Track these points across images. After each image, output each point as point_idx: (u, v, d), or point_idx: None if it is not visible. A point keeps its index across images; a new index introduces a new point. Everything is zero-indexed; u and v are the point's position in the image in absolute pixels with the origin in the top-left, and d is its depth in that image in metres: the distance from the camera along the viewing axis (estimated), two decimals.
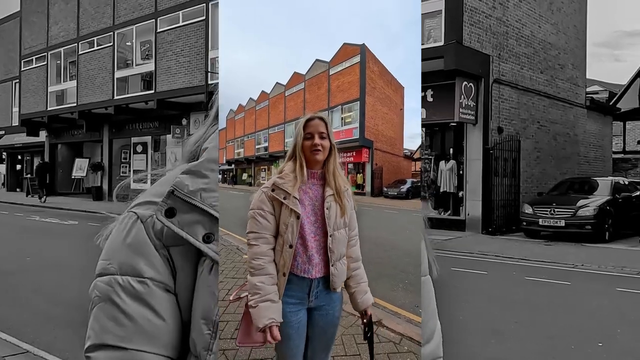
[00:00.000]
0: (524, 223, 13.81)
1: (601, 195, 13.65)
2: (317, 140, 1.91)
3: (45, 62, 27.36)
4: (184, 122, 21.03)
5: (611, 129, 23.20)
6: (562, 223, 12.98)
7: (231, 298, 1.07)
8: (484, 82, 14.82)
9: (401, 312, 5.22)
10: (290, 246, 1.78)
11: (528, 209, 13.77)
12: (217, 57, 18.08)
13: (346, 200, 2.03)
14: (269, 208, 1.87)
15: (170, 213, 1.02)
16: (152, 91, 21.08)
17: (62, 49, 26.39)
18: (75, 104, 24.99)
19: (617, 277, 8.90)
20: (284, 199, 1.79)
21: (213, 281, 1.02)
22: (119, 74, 23.19)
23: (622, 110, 24.14)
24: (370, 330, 2.21)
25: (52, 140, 29.55)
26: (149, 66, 21.77)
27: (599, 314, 6.42)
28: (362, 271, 2.24)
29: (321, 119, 2.05)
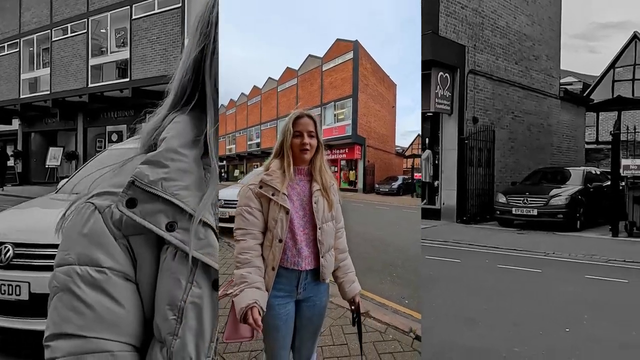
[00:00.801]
0: (498, 212, 14.01)
1: (573, 185, 13.90)
2: (306, 139, 1.96)
3: (17, 49, 26.81)
4: None
5: (584, 120, 23.56)
6: (535, 212, 13.20)
7: (219, 294, 1.08)
8: (460, 73, 14.94)
9: (388, 304, 5.31)
10: (280, 240, 1.95)
11: (502, 199, 13.96)
12: None
13: (333, 194, 2.07)
14: (256, 205, 1.92)
15: (131, 203, 1.01)
16: (127, 79, 20.83)
17: (34, 36, 25.89)
18: (48, 92, 24.57)
19: (586, 265, 9.11)
20: (273, 195, 1.91)
21: (177, 268, 1.00)
22: (93, 61, 22.85)
23: (596, 101, 24.50)
24: (358, 316, 2.23)
25: (25, 129, 29.05)
26: (124, 54, 21.48)
27: (568, 300, 6.58)
28: (349, 262, 2.28)
29: (310, 117, 2.03)
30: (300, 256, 2.01)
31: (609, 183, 13.93)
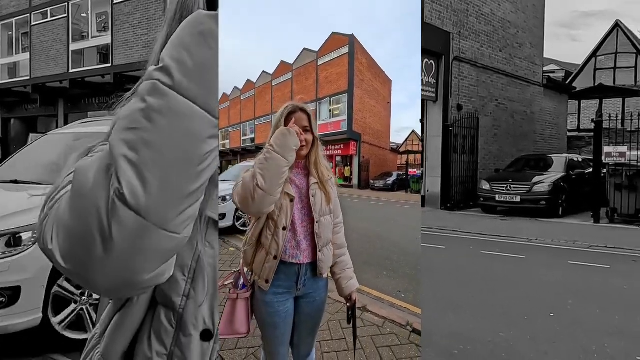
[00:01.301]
0: (482, 199, 14.10)
1: (556, 172, 14.02)
2: (300, 135, 1.87)
3: None
4: None
5: (567, 108, 23.75)
6: (518, 199, 13.31)
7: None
8: (445, 60, 14.94)
9: (384, 298, 5.32)
10: (285, 228, 1.92)
11: (485, 185, 14.05)
12: None
13: (330, 187, 2.04)
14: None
15: None
16: (109, 65, 20.52)
17: (13, 20, 25.34)
18: (28, 77, 24.14)
19: (569, 251, 9.20)
20: None
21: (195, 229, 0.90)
22: (74, 46, 22.46)
23: (578, 89, 24.71)
24: (354, 314, 2.20)
25: (5, 115, 28.53)
26: (106, 39, 21.13)
27: (551, 286, 6.64)
28: (347, 257, 2.24)
29: (304, 111, 1.96)
30: (299, 249, 1.98)
31: (590, 170, 14.07)
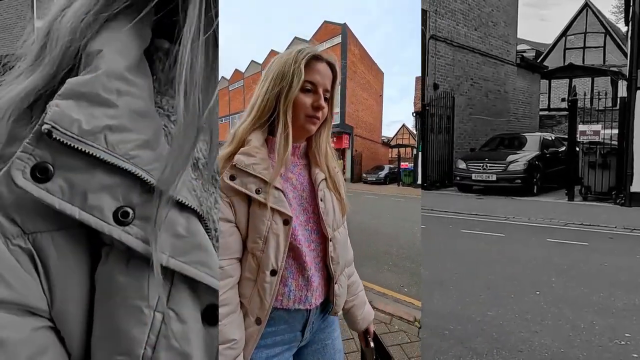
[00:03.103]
0: (458, 178, 14.17)
1: (530, 151, 14.15)
2: (321, 99, 1.18)
3: None
4: None
5: (539, 87, 23.99)
6: (494, 177, 13.41)
7: None
8: (421, 38, 14.86)
9: (388, 293, 5.25)
10: (274, 272, 1.08)
11: (461, 165, 14.11)
12: None
13: (341, 185, 1.32)
14: (224, 213, 1.06)
15: (42, 172, 0.55)
16: None
17: None
18: None
19: (546, 229, 9.30)
20: (257, 192, 1.07)
21: (134, 285, 0.57)
22: (39, 23, 21.72)
23: (550, 68, 24.95)
24: (380, 355, 1.48)
25: None
26: None
27: (533, 263, 6.68)
28: (357, 277, 1.51)
29: (331, 65, 1.24)
30: (310, 287, 1.21)
31: (563, 149, 14.22)
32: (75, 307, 0.58)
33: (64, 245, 0.57)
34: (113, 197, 0.58)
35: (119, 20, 0.66)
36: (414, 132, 15.92)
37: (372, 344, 1.47)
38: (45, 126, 0.56)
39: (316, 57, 1.19)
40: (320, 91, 1.17)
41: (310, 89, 1.16)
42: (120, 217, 0.58)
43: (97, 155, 0.57)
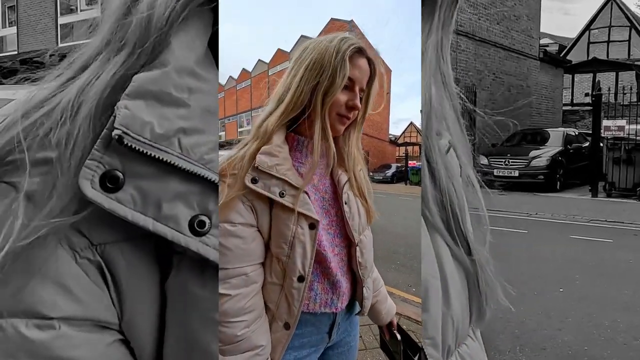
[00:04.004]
0: (479, 174, 14.05)
1: (553, 146, 13.99)
2: (357, 99, 1.07)
3: None
4: None
5: (562, 81, 23.70)
6: (516, 173, 13.29)
7: None
8: None
9: (395, 292, 5.24)
10: (301, 279, 1.04)
11: (483, 160, 14.00)
12: None
13: (365, 187, 1.24)
14: (245, 217, 0.95)
15: (113, 181, 0.52)
16: None
17: None
18: (16, 52, 23.70)
19: (569, 225, 9.20)
20: (281, 195, 0.97)
21: (211, 298, 0.56)
22: (62, 20, 22.03)
23: (573, 62, 24.64)
24: (408, 345, 1.47)
25: None
26: (95, 12, 20.72)
27: (557, 260, 6.62)
28: (377, 271, 1.49)
29: (371, 61, 1.14)
30: (336, 292, 1.27)
31: (587, 144, 14.04)
32: (145, 317, 0.55)
33: (133, 255, 0.53)
34: (188, 206, 0.53)
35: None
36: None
37: (398, 336, 1.46)
38: (115, 132, 0.50)
39: (359, 51, 1.06)
40: (357, 89, 1.03)
41: (347, 86, 1.02)
42: (197, 227, 0.53)
43: (172, 162, 0.52)
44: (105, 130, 0.51)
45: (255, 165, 0.89)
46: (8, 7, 24.92)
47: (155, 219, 0.51)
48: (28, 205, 0.52)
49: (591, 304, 4.95)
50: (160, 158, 0.51)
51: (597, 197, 12.38)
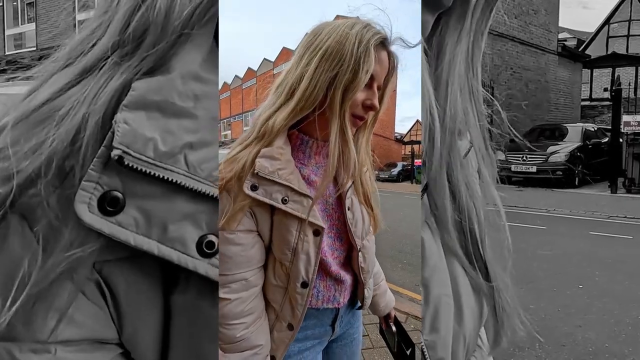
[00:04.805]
0: (497, 169, 13.98)
1: (572, 142, 13.86)
2: (375, 98, 0.92)
3: (0, 4, 26.00)
4: None
5: (581, 76, 23.44)
6: (534, 169, 13.19)
7: None
8: None
9: (402, 292, 5.25)
10: (305, 285, 1.02)
11: (501, 156, 13.82)
12: None
13: (370, 188, 1.18)
14: (246, 223, 0.90)
15: (112, 203, 0.47)
16: None
17: None
18: (35, 49, 23.96)
19: (589, 221, 9.12)
20: (284, 202, 0.91)
21: (212, 315, 0.52)
22: (80, 16, 22.22)
23: (592, 57, 24.35)
24: (402, 339, 1.51)
25: None
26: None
27: (576, 257, 6.57)
28: (378, 265, 1.50)
29: (391, 56, 0.95)
30: (340, 289, 1.17)
31: (606, 140, 13.89)
32: (147, 332, 0.50)
33: (134, 272, 0.49)
34: (196, 226, 0.48)
35: None
36: None
37: (394, 328, 1.47)
38: (115, 152, 0.45)
39: (383, 42, 0.85)
40: (375, 87, 0.88)
41: (366, 84, 0.87)
42: (205, 248, 0.49)
43: (178, 181, 0.47)
44: (102, 147, 0.46)
45: (255, 171, 0.80)
46: (27, 4, 25.19)
47: (161, 241, 0.47)
48: (44, 241, 0.47)
49: (611, 301, 4.91)
50: (166, 178, 0.47)
51: (616, 193, 12.25)
